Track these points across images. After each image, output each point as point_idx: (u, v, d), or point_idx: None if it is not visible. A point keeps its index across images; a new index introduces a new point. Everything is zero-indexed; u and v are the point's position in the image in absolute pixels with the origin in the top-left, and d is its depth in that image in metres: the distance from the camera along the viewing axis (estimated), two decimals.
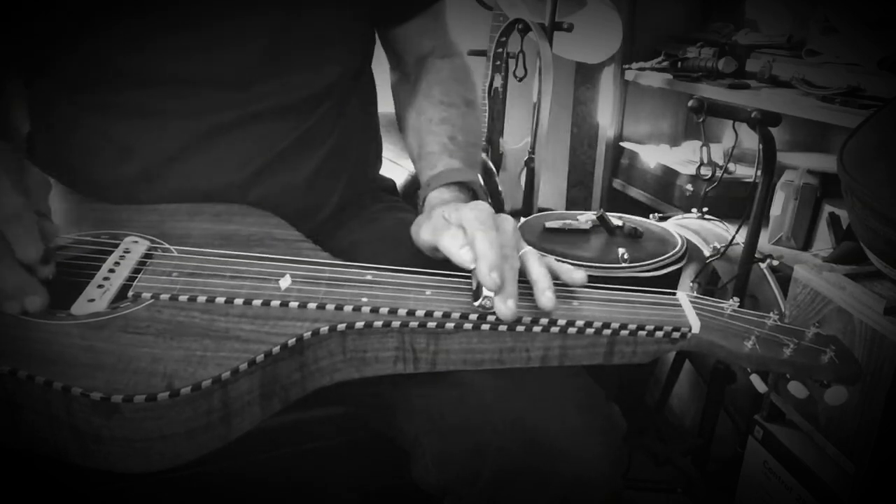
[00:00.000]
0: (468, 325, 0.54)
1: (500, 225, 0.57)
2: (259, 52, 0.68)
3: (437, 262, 0.60)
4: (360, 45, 0.79)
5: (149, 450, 0.47)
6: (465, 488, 0.60)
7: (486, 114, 1.70)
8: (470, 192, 0.70)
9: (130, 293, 0.54)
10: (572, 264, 0.58)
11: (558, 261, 0.58)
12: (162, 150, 0.68)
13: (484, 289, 0.53)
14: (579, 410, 0.60)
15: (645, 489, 1.34)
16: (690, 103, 1.19)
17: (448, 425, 0.60)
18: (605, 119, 2.24)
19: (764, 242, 1.54)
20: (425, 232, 0.62)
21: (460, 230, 0.57)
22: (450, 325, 0.54)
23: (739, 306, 0.59)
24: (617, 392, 1.39)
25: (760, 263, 1.29)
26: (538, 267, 0.55)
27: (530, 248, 0.58)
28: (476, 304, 0.54)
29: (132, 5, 0.65)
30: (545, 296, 0.53)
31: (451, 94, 0.79)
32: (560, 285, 0.56)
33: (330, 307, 0.53)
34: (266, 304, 0.53)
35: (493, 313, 0.53)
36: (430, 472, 0.62)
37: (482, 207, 0.57)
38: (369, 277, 0.57)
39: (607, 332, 0.54)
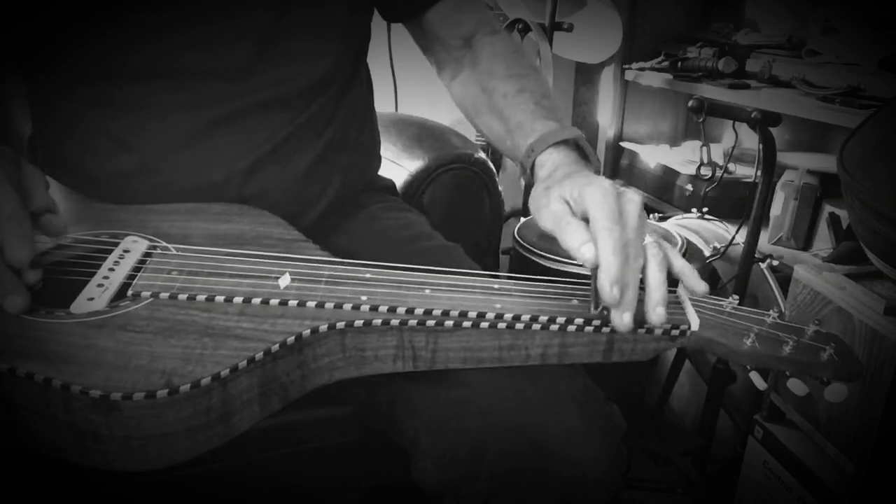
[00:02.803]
0: (467, 324, 0.54)
1: (624, 214, 0.52)
2: (254, 43, 0.68)
3: (435, 262, 0.60)
4: (354, 39, 0.79)
5: (147, 448, 0.47)
6: (464, 488, 0.60)
7: None
8: (577, 148, 0.66)
9: (130, 292, 0.54)
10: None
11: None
12: (160, 144, 0.69)
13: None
14: (579, 410, 0.60)
15: (645, 489, 1.34)
16: (690, 103, 1.18)
17: (447, 425, 0.60)
18: (605, 119, 2.24)
19: (764, 242, 1.53)
20: (546, 219, 0.57)
21: (582, 225, 0.53)
22: (448, 322, 0.54)
23: (739, 305, 0.59)
24: (617, 392, 1.39)
25: (760, 263, 1.29)
26: (657, 273, 0.52)
27: (652, 241, 0.53)
28: (596, 311, 0.54)
29: (133, 3, 0.65)
30: (656, 312, 0.51)
31: (517, 65, 0.76)
32: (560, 282, 0.56)
33: (329, 305, 0.53)
34: (265, 302, 0.53)
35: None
36: (430, 472, 0.61)
37: (605, 188, 0.53)
38: (368, 276, 0.57)
39: (606, 329, 0.54)
